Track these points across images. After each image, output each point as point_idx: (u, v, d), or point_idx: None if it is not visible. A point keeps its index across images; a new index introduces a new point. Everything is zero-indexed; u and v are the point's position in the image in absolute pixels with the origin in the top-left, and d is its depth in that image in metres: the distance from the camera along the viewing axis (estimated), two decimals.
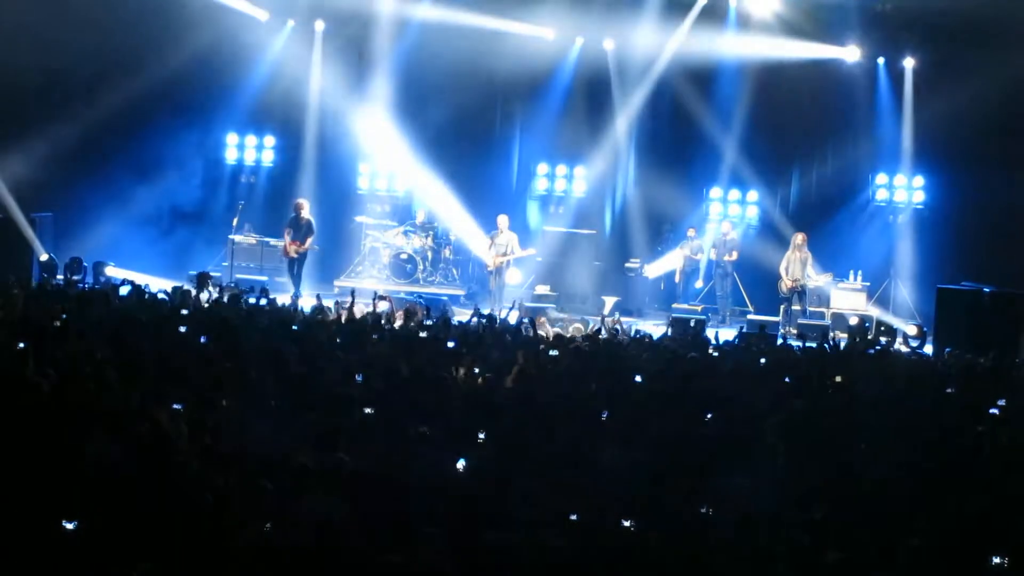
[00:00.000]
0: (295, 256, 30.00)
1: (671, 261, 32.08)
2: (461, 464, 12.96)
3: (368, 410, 14.78)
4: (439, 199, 32.63)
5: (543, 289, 31.02)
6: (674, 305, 30.34)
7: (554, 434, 14.41)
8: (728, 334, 24.86)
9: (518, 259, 30.80)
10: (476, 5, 32.31)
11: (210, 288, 25.53)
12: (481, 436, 14.02)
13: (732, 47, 32.48)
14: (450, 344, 19.87)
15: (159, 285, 25.10)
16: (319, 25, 33.49)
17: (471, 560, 10.70)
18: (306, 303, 25.44)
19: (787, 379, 18.74)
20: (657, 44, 32.65)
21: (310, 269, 30.97)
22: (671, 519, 11.89)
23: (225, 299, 24.06)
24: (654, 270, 32.57)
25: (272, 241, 32.10)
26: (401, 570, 10.29)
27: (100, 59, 30.60)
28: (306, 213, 30.24)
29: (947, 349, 25.04)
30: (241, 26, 32.48)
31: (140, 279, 25.39)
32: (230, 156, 34.57)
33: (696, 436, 14.80)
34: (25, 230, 29.04)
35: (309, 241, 30.06)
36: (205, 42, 31.22)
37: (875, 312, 30.03)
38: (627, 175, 34.16)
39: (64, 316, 19.98)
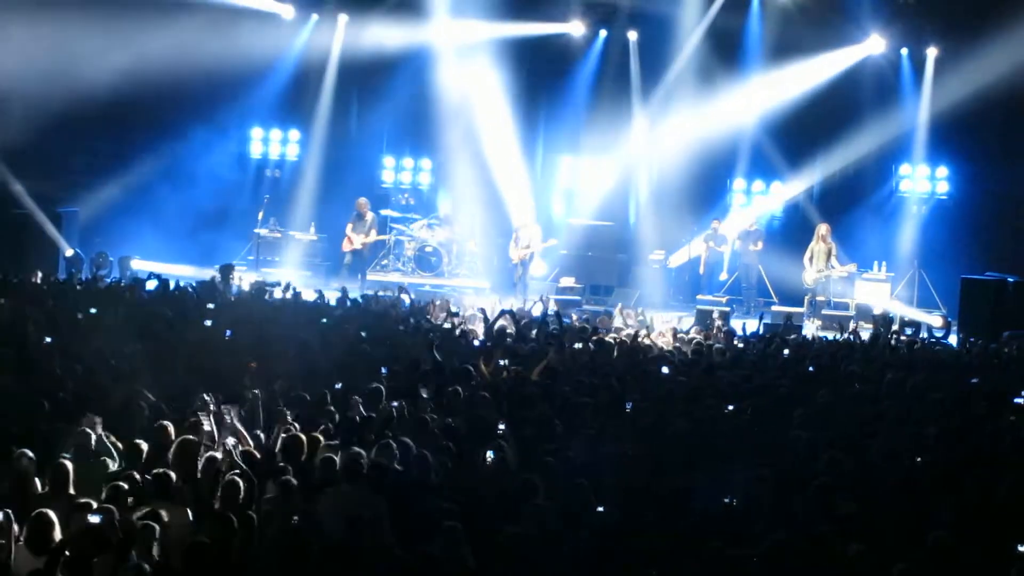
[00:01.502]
0: (359, 248, 30.94)
1: (693, 250, 32.05)
2: (490, 455, 13.03)
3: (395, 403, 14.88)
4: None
5: (568, 281, 31.05)
6: (698, 296, 30.32)
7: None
8: (753, 325, 24.86)
9: (542, 251, 30.88)
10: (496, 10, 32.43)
11: (234, 279, 25.63)
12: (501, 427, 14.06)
13: (754, 36, 32.47)
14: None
15: (185, 279, 25.20)
16: (342, 19, 33.49)
17: (490, 553, 10.79)
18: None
19: (811, 368, 18.78)
20: (680, 35, 32.65)
21: (334, 262, 31.20)
22: (687, 511, 11.98)
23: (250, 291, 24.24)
24: (676, 260, 32.58)
25: (297, 234, 32.37)
26: (423, 563, 10.37)
27: (126, 58, 30.72)
28: (366, 209, 31.16)
29: (971, 339, 25.02)
30: (266, 21, 32.60)
31: (166, 272, 25.47)
32: (255, 150, 34.64)
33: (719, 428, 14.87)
34: (47, 227, 29.14)
35: (373, 234, 31.17)
36: (230, 38, 31.35)
37: (899, 304, 29.99)
38: (651, 167, 34.13)
39: (92, 311, 20.13)
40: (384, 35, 32.60)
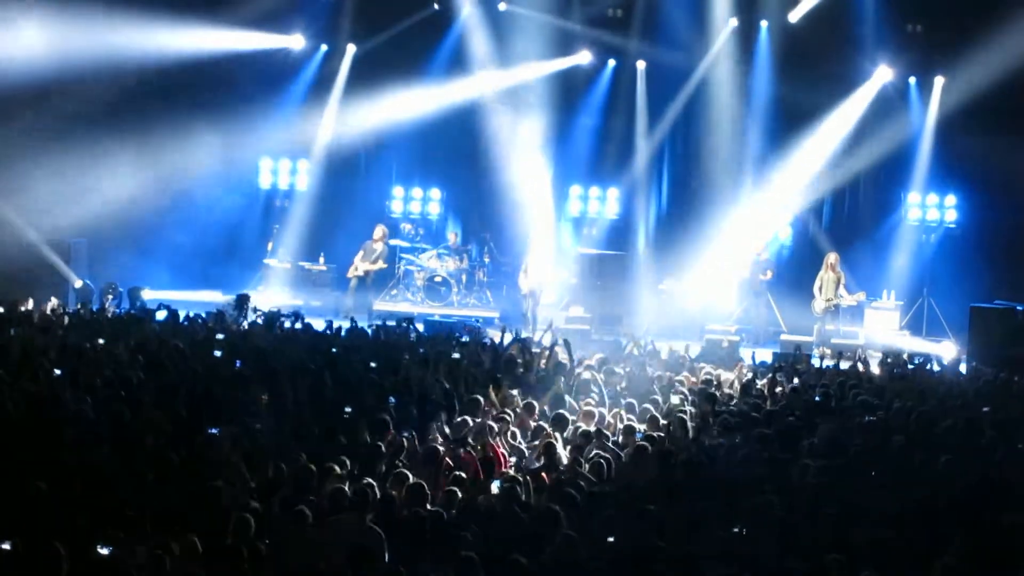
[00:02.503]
0: (362, 275, 30.91)
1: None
2: (495, 486, 13.05)
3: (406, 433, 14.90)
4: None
5: (577, 311, 31.05)
6: (708, 326, 30.28)
7: None
8: (762, 354, 24.83)
9: (551, 281, 30.90)
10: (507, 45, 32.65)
11: (249, 310, 25.66)
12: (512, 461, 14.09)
13: (763, 67, 32.57)
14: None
15: (194, 310, 25.22)
16: (351, 49, 33.62)
17: None
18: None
19: (817, 399, 18.75)
20: (688, 65, 32.77)
21: (344, 292, 31.26)
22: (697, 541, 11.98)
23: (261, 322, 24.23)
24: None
25: (307, 265, 32.46)
26: None
27: (135, 85, 30.89)
28: (380, 237, 31.15)
29: (971, 363, 24.99)
30: (274, 52, 32.80)
31: (176, 303, 25.51)
32: (264, 181, 34.72)
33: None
34: (51, 259, 29.16)
35: (380, 263, 31.15)
36: (239, 69, 31.56)
37: (907, 335, 29.98)
38: (660, 196, 34.23)
39: (101, 342, 20.16)
40: (393, 65, 32.82)
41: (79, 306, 25.95)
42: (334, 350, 21.10)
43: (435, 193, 34.67)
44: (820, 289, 29.80)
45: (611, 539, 11.73)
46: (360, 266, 30.89)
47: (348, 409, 15.93)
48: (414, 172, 34.61)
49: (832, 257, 30.12)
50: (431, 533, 11.77)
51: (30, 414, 14.92)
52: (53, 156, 30.00)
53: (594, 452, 14.66)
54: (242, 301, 25.92)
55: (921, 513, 12.78)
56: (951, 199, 32.83)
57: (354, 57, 33.68)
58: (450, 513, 12.30)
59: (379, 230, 31.25)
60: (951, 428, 16.58)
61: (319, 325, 24.65)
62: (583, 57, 33.46)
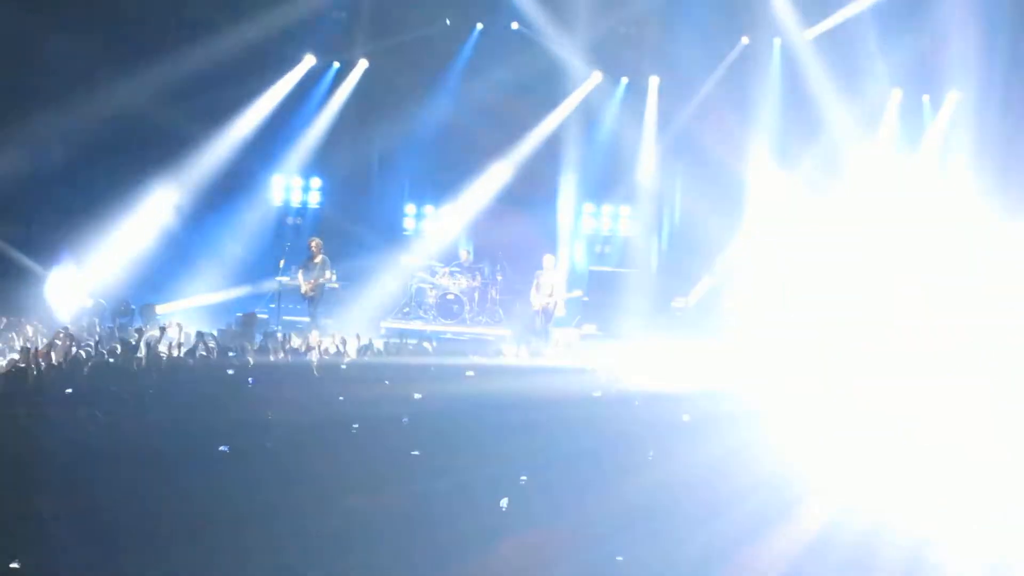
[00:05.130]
0: (311, 295, 29.90)
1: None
2: (504, 503, 12.95)
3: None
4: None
5: (589, 328, 31.00)
6: None
7: None
8: None
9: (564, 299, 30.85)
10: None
11: (255, 330, 25.62)
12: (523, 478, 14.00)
13: (774, 85, 32.55)
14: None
15: (206, 327, 25.19)
16: (362, 65, 33.65)
17: None
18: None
19: None
20: (700, 81, 32.76)
21: (358, 310, 31.15)
22: None
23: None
24: (695, 296, 32.63)
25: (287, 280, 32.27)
26: None
27: (148, 96, 30.96)
28: (318, 251, 30.03)
29: None
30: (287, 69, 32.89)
31: (187, 320, 25.48)
32: (276, 198, 34.74)
33: None
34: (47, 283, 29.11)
35: (327, 276, 29.86)
36: (252, 84, 31.62)
37: None
38: (673, 213, 34.20)
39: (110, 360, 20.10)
40: (406, 81, 32.86)
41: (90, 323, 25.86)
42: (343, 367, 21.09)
43: (447, 211, 34.71)
44: None
45: None
46: (303, 286, 30.25)
47: (355, 426, 15.91)
48: (426, 189, 34.58)
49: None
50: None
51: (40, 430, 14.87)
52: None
53: None
54: (249, 321, 25.86)
55: None
56: None
57: (366, 73, 33.70)
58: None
59: (313, 243, 30.43)
60: None
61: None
62: (595, 79, 33.47)
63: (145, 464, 13.18)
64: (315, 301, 29.83)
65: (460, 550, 11.22)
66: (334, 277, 30.05)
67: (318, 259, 29.92)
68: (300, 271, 30.07)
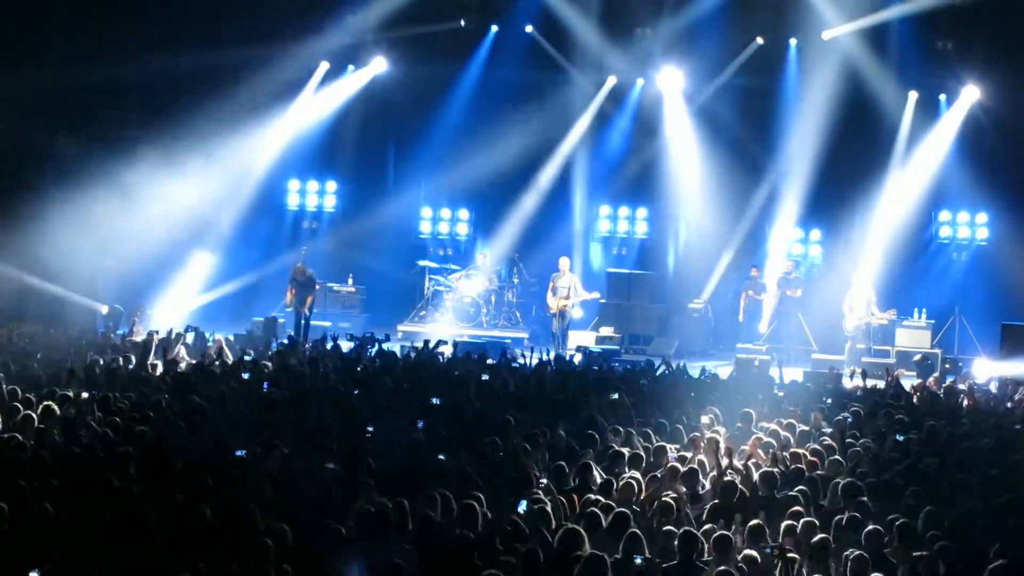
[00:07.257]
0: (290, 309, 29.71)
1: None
2: (522, 507, 12.95)
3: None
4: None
5: (607, 331, 30.97)
6: (738, 345, 30.18)
7: None
8: (792, 373, 24.63)
9: (581, 301, 30.78)
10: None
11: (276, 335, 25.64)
12: (543, 481, 14.00)
13: (792, 84, 32.49)
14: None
15: (224, 330, 25.24)
16: (377, 67, 33.60)
17: None
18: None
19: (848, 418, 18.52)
20: (715, 83, 32.72)
21: (372, 313, 31.10)
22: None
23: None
24: (706, 295, 32.67)
25: (335, 286, 32.40)
26: None
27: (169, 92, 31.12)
28: (302, 272, 29.64)
29: (996, 379, 24.66)
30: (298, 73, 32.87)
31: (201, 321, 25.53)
32: (292, 202, 34.75)
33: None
34: (75, 299, 29.09)
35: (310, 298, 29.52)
36: (266, 88, 31.63)
37: (938, 351, 29.72)
38: (689, 215, 34.07)
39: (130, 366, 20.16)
40: (422, 84, 32.96)
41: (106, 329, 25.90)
42: (360, 368, 21.12)
43: (463, 213, 34.69)
44: (851, 307, 29.65)
45: None
46: (288, 296, 30.13)
47: (371, 429, 15.93)
48: (442, 192, 34.54)
49: (863, 275, 30.01)
50: (480, 556, 11.65)
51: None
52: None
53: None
54: (269, 325, 25.85)
55: (964, 529, 12.75)
56: (982, 216, 32.64)
57: (380, 76, 33.68)
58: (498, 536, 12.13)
59: (296, 268, 29.90)
60: (980, 447, 16.53)
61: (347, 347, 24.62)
62: (610, 82, 33.44)
63: None
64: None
65: None
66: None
67: (305, 277, 29.63)
68: (291, 288, 29.63)
